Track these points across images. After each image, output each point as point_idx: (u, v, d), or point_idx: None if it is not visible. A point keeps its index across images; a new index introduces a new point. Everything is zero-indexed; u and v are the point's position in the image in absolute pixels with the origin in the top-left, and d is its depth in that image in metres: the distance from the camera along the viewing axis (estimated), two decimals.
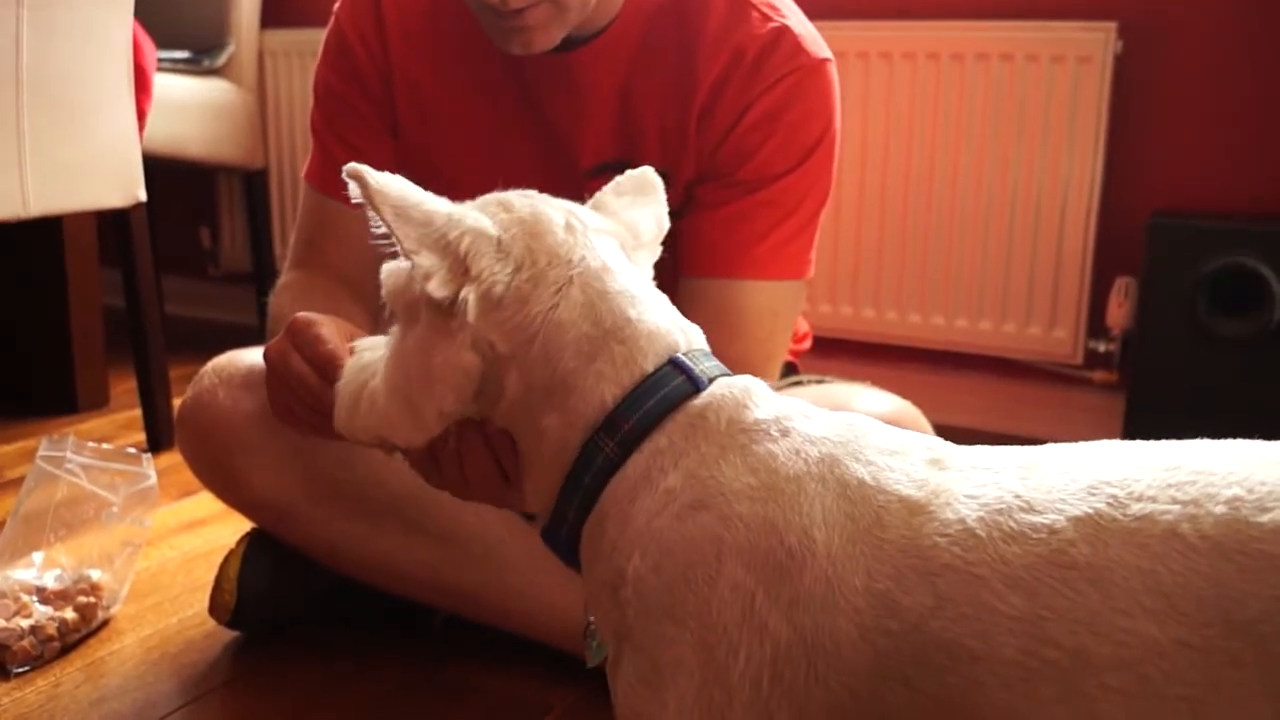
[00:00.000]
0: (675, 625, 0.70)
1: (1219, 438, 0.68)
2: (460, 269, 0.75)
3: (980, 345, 2.28)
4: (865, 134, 2.28)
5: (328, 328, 0.95)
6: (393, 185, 0.76)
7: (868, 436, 0.74)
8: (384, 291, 0.82)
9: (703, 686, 0.69)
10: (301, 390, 0.92)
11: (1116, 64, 2.09)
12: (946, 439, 0.78)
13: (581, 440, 0.75)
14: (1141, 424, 2.03)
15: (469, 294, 0.74)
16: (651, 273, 0.85)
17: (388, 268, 0.83)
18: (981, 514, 0.66)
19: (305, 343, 0.92)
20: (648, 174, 0.88)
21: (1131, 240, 2.10)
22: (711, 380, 0.76)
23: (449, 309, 0.75)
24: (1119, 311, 2.15)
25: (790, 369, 1.46)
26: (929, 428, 1.34)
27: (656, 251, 0.87)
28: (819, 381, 1.42)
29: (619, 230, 0.83)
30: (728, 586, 0.69)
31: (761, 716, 0.68)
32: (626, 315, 0.76)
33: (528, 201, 0.80)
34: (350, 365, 0.88)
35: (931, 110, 2.22)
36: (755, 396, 0.76)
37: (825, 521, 0.69)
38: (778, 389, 1.34)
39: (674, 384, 0.75)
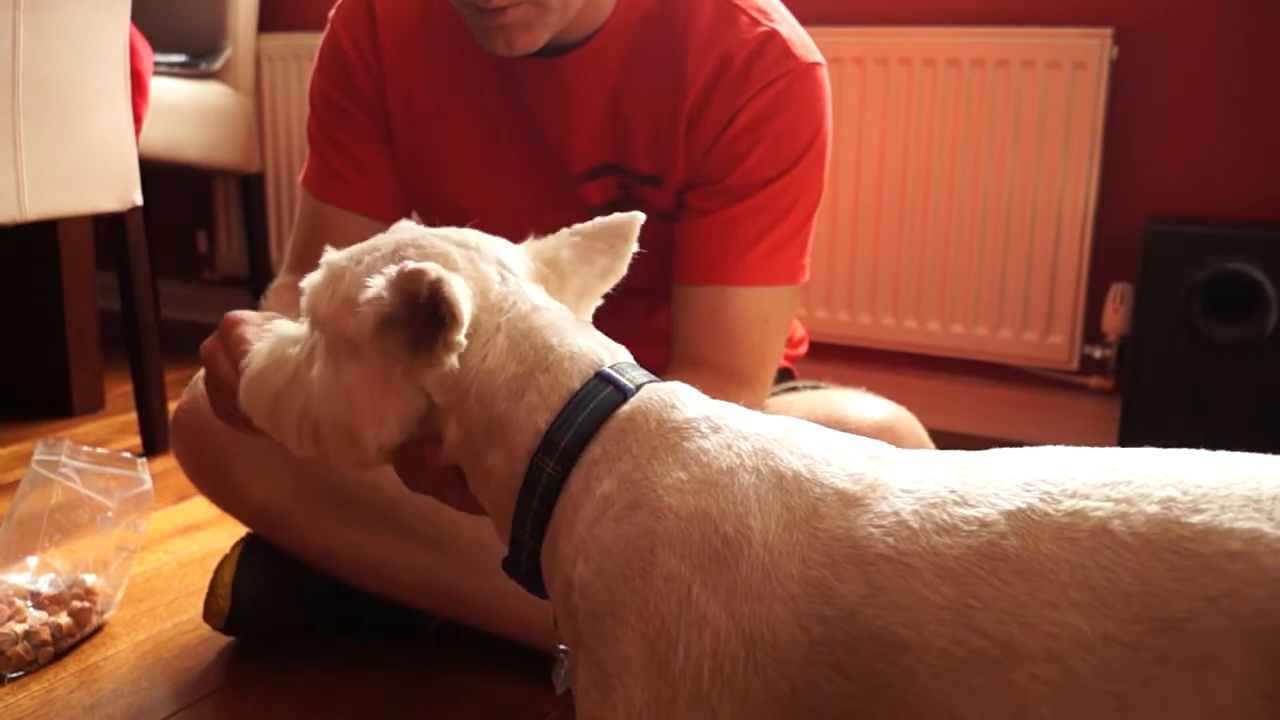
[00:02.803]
0: (618, 624, 0.70)
1: (1215, 443, 0.68)
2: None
3: (976, 351, 2.28)
4: (862, 140, 2.28)
5: (253, 327, 0.92)
6: (461, 284, 0.75)
7: (804, 434, 0.74)
8: (309, 311, 0.83)
9: (649, 685, 0.69)
10: (227, 391, 0.92)
11: (1112, 70, 2.09)
12: (942, 445, 0.78)
13: (524, 468, 0.76)
14: (1137, 429, 2.03)
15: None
16: (590, 313, 0.87)
17: (312, 281, 0.83)
18: (916, 506, 0.67)
19: (230, 343, 0.91)
20: (630, 224, 0.88)
21: (1127, 246, 2.10)
22: (639, 387, 0.77)
23: (410, 366, 0.77)
24: (1115, 317, 2.15)
25: (786, 374, 1.46)
26: (924, 433, 1.34)
27: (594, 302, 0.89)
28: (814, 387, 1.42)
29: (547, 275, 0.85)
30: (662, 578, 0.69)
31: (705, 712, 0.68)
32: (549, 344, 0.78)
33: (467, 255, 0.81)
34: (260, 352, 0.86)
35: (928, 116, 2.23)
36: (682, 397, 0.77)
37: (761, 510, 0.69)
38: (774, 394, 1.35)
39: (602, 395, 0.76)
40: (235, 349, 0.90)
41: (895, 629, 0.64)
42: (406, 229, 0.85)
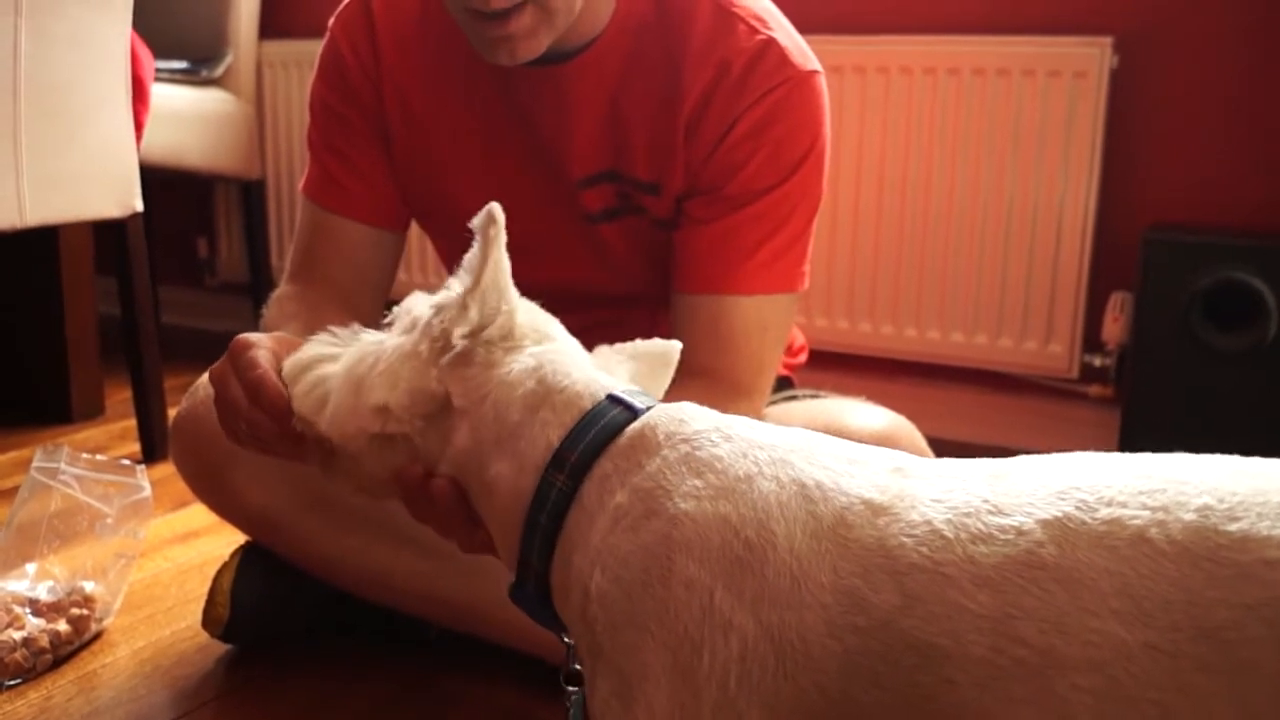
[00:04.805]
0: (637, 632, 0.70)
1: (1215, 452, 0.68)
2: (479, 331, 0.81)
3: (976, 359, 2.28)
4: (862, 148, 2.28)
5: (263, 350, 0.94)
6: (504, 248, 0.81)
7: (824, 445, 0.74)
8: (400, 309, 0.87)
9: (672, 693, 0.68)
10: (237, 414, 0.93)
11: (1112, 79, 2.09)
12: (942, 453, 0.78)
13: (534, 484, 0.77)
14: (1137, 438, 2.03)
15: (459, 345, 0.80)
16: None
17: (416, 295, 0.87)
18: (949, 516, 0.66)
19: (240, 366, 0.92)
20: (670, 353, 0.91)
21: (1127, 255, 2.10)
22: (648, 408, 0.78)
23: (439, 344, 0.81)
24: (1115, 326, 2.15)
25: (786, 383, 1.46)
26: (924, 442, 1.34)
27: None
28: (814, 396, 1.42)
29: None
30: (681, 584, 0.69)
31: (731, 718, 0.67)
32: (569, 372, 0.81)
33: (542, 316, 0.86)
34: (320, 337, 0.90)
35: (928, 124, 2.23)
36: (689, 412, 0.77)
37: (785, 516, 0.69)
38: (773, 403, 1.35)
39: (612, 414, 0.77)
40: (247, 372, 0.91)
41: (934, 639, 0.63)
42: None
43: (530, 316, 0.84)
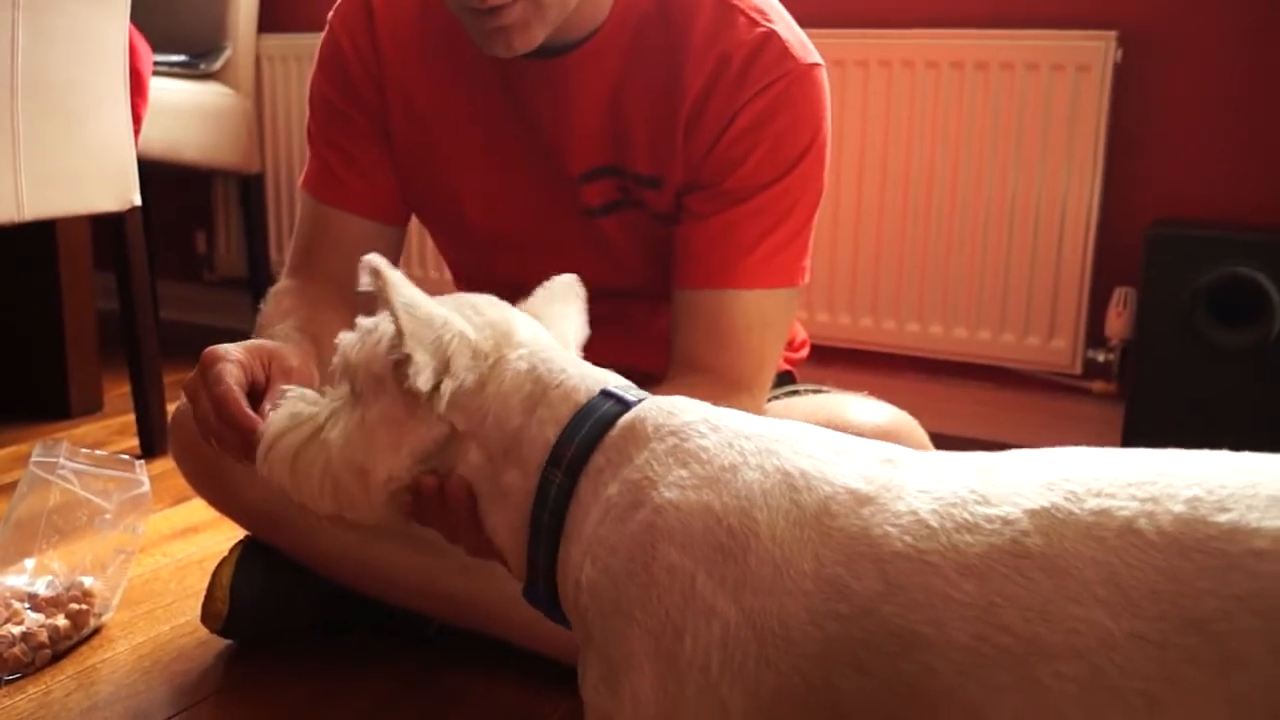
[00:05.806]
0: (623, 619, 0.71)
1: (1218, 448, 0.68)
2: (443, 367, 0.80)
3: (979, 355, 2.28)
4: (864, 142, 2.28)
5: (229, 363, 0.95)
6: (404, 283, 0.80)
7: (809, 436, 0.75)
8: (341, 362, 0.86)
9: (656, 678, 0.69)
10: (208, 426, 0.94)
11: (1116, 73, 2.09)
12: (944, 448, 0.78)
13: (536, 483, 0.78)
14: (1140, 434, 2.02)
15: (447, 388, 0.80)
16: None
17: (345, 339, 0.86)
18: (935, 506, 0.67)
19: (208, 381, 0.94)
20: (572, 284, 0.93)
21: (1130, 250, 2.10)
22: (640, 401, 0.79)
23: (418, 392, 0.80)
24: (1118, 321, 2.14)
25: (787, 378, 1.46)
26: (925, 438, 1.33)
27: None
28: (816, 391, 1.41)
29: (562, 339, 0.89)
30: (663, 570, 0.70)
31: (714, 702, 0.68)
32: (564, 368, 0.82)
33: (497, 309, 0.85)
34: (279, 415, 0.88)
35: (931, 118, 2.22)
36: (679, 404, 0.78)
37: (767, 504, 0.70)
38: (775, 397, 1.35)
39: (605, 408, 0.78)
40: (213, 388, 0.93)
41: (916, 626, 0.64)
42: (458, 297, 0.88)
43: (485, 330, 0.83)
